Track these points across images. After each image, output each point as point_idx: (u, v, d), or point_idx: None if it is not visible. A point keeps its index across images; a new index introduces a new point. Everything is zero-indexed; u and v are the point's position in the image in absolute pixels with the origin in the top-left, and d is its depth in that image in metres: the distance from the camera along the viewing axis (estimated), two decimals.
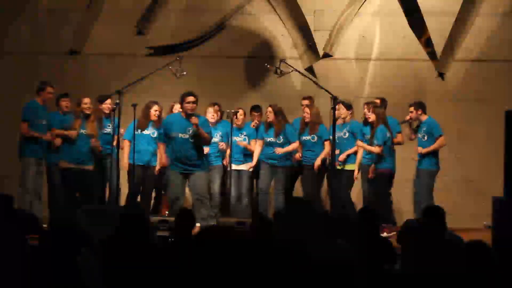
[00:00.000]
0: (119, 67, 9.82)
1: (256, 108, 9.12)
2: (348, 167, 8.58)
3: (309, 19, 9.89)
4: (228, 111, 8.46)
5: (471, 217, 8.85)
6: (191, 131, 7.95)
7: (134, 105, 8.28)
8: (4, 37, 10.16)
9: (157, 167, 8.64)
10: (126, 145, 8.53)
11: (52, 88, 8.54)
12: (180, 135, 7.98)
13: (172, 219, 6.34)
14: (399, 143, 8.68)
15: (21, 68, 9.98)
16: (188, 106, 7.97)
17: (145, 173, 8.60)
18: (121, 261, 4.42)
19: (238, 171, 8.91)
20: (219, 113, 8.85)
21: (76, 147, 8.35)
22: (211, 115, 8.70)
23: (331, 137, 7.91)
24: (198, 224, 6.99)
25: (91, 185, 8.46)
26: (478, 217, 8.57)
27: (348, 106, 8.69)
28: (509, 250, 5.31)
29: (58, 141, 8.45)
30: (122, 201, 8.63)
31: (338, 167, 8.46)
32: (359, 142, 8.46)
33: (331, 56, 9.92)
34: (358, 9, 9.87)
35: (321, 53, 9.90)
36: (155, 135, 8.61)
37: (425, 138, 8.46)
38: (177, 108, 8.86)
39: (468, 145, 9.70)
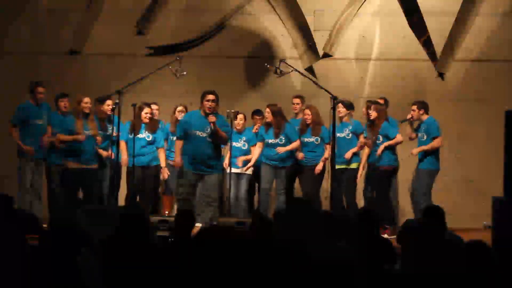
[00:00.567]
0: (119, 67, 9.82)
1: (258, 112, 9.09)
2: (353, 166, 8.59)
3: (309, 19, 9.89)
4: (228, 111, 8.44)
5: (471, 217, 8.85)
6: (209, 130, 7.91)
7: (134, 105, 8.29)
8: (4, 37, 10.16)
9: (164, 174, 8.62)
10: (123, 147, 8.46)
11: (42, 87, 8.50)
12: (198, 133, 7.93)
13: (172, 219, 6.34)
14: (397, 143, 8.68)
15: (21, 68, 9.97)
16: (208, 104, 7.91)
17: (144, 173, 8.59)
18: (121, 261, 4.42)
19: (238, 174, 8.89)
20: None
21: (82, 147, 8.35)
22: None
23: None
24: (199, 224, 6.99)
25: (94, 184, 8.46)
26: (478, 217, 8.57)
27: (348, 106, 8.69)
28: (509, 250, 5.31)
29: (57, 143, 8.43)
30: (122, 201, 8.63)
31: (341, 167, 8.44)
32: (386, 143, 8.41)
33: (331, 56, 9.93)
34: (358, 9, 9.87)
35: (321, 53, 9.90)
36: (150, 138, 8.59)
37: (424, 137, 8.45)
38: (180, 110, 8.85)
39: (468, 145, 9.70)
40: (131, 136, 8.32)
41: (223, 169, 8.71)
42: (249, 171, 8.90)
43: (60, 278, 3.98)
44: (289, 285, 3.83)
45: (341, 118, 8.58)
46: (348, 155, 8.50)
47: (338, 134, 8.31)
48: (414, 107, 8.52)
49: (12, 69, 10.05)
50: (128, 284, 4.33)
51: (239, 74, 10.04)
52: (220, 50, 10.03)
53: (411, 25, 9.81)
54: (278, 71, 8.35)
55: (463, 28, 9.78)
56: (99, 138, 8.44)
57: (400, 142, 8.40)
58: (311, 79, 8.74)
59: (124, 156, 8.44)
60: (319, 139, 8.65)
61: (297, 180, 8.94)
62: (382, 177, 8.38)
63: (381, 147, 8.38)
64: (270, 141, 8.64)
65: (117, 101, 7.87)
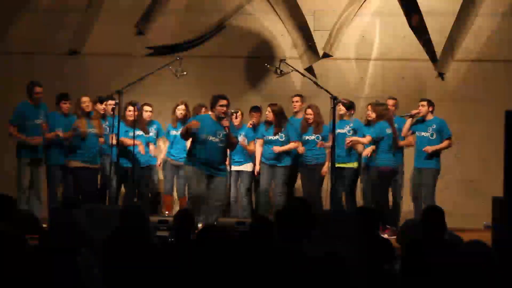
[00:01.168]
0: (119, 67, 9.82)
1: (255, 109, 9.12)
2: (351, 165, 8.58)
3: (309, 19, 9.89)
4: (228, 111, 8.43)
5: (471, 217, 8.85)
6: (221, 135, 7.80)
7: (135, 105, 8.29)
8: (4, 37, 10.16)
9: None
10: (126, 140, 8.45)
11: (40, 87, 8.49)
12: (211, 138, 7.76)
13: (172, 219, 6.34)
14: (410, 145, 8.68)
15: (20, 68, 9.98)
16: (222, 109, 7.79)
17: (142, 173, 8.59)
18: (121, 261, 4.42)
19: (238, 172, 8.91)
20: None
21: (87, 146, 8.33)
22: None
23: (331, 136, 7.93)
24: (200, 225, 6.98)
25: (94, 184, 8.45)
26: (478, 217, 8.58)
27: (348, 107, 8.68)
28: (509, 250, 5.30)
29: (38, 142, 8.41)
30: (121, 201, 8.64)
31: (341, 165, 8.45)
32: (352, 138, 8.41)
33: (331, 56, 9.93)
34: (358, 9, 9.88)
35: (321, 53, 9.90)
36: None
37: (434, 136, 8.44)
38: (180, 109, 8.83)
39: (468, 145, 9.70)
40: (131, 134, 8.30)
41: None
42: (249, 168, 8.91)
43: (60, 278, 3.98)
44: (288, 285, 3.83)
45: (341, 115, 8.57)
46: (348, 140, 8.44)
47: (338, 130, 8.31)
48: (424, 103, 8.51)
49: (12, 69, 10.05)
50: (128, 284, 4.33)
51: (239, 74, 10.04)
52: (220, 50, 10.03)
53: (411, 25, 9.81)
54: (278, 71, 8.36)
55: (463, 28, 9.78)
56: (101, 140, 8.43)
57: (365, 143, 8.37)
58: (311, 79, 8.74)
59: (129, 141, 8.35)
60: (320, 137, 8.66)
61: (298, 181, 8.95)
62: (381, 177, 8.37)
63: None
64: (269, 137, 8.66)
65: (117, 101, 7.87)
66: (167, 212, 8.87)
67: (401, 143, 8.58)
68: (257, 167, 8.76)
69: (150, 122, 8.91)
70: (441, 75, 9.89)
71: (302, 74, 8.88)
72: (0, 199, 5.18)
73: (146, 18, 10.05)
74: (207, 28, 10.02)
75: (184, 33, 10.01)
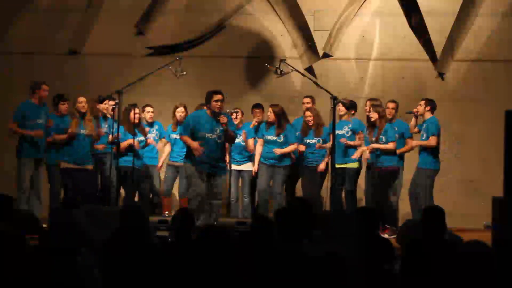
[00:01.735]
0: (119, 67, 9.82)
1: (257, 106, 9.14)
2: (350, 165, 8.58)
3: (309, 19, 9.89)
4: (228, 111, 8.44)
5: (471, 217, 8.85)
6: (218, 131, 7.76)
7: (134, 106, 8.28)
8: (4, 37, 10.16)
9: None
10: (126, 143, 8.45)
11: (47, 85, 8.51)
12: (208, 135, 7.73)
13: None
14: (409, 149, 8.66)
15: (20, 68, 9.98)
16: (217, 104, 7.71)
17: (141, 174, 8.60)
18: (121, 261, 4.42)
19: (239, 171, 8.92)
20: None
21: (76, 147, 8.30)
22: None
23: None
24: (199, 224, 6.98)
25: (91, 185, 8.44)
26: (478, 217, 8.58)
27: (348, 107, 8.68)
28: (509, 250, 5.30)
29: (39, 134, 8.41)
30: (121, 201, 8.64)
31: (341, 166, 8.46)
32: (373, 145, 8.40)
33: (331, 56, 9.93)
34: (358, 9, 9.88)
35: (321, 53, 9.90)
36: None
37: (424, 136, 8.46)
38: (179, 111, 8.83)
39: (468, 145, 9.70)
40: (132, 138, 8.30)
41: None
42: (250, 168, 8.92)
43: (60, 278, 3.98)
44: (288, 285, 3.83)
45: (341, 116, 8.58)
46: (343, 140, 8.44)
47: (337, 131, 8.31)
48: (422, 102, 8.52)
49: (12, 69, 10.05)
50: (128, 284, 4.33)
51: (239, 74, 10.05)
52: (220, 50, 10.04)
53: (411, 25, 9.81)
54: (278, 71, 8.35)
55: (463, 28, 9.78)
56: (101, 130, 8.38)
57: (391, 149, 8.34)
58: (311, 79, 8.74)
59: (130, 141, 8.36)
60: (321, 140, 8.66)
61: (299, 181, 8.96)
62: (384, 177, 8.36)
63: (370, 147, 8.40)
64: (269, 137, 8.67)
65: (117, 101, 7.87)
66: (167, 212, 8.87)
67: (400, 150, 8.52)
68: (255, 167, 8.75)
69: (152, 123, 8.91)
70: (441, 75, 9.89)
71: (302, 74, 8.88)
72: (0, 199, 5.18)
73: (146, 18, 10.06)
74: (207, 28, 10.02)
75: (184, 33, 10.01)
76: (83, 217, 6.80)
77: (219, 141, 7.78)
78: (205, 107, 8.16)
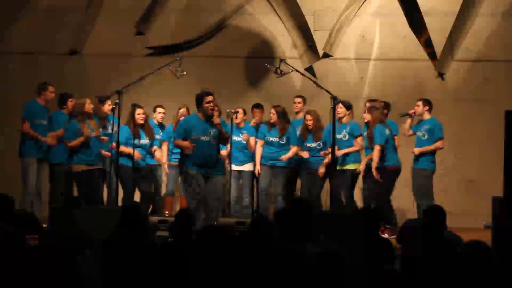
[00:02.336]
0: (119, 67, 9.82)
1: (257, 106, 9.14)
2: (349, 166, 8.59)
3: (309, 19, 9.90)
4: (228, 111, 8.43)
5: (471, 217, 8.84)
6: (212, 133, 7.68)
7: (134, 105, 8.28)
8: (4, 37, 10.16)
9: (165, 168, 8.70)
10: (126, 150, 8.42)
11: (53, 87, 8.56)
12: (202, 138, 7.62)
13: (172, 219, 6.33)
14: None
15: (21, 68, 9.98)
16: (209, 105, 7.61)
17: (142, 174, 8.59)
18: (121, 261, 4.42)
19: (239, 171, 8.92)
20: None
21: (90, 150, 8.27)
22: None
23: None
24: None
25: (98, 185, 8.43)
26: (478, 217, 8.57)
27: (348, 106, 8.69)
28: (509, 250, 5.30)
29: (53, 142, 8.42)
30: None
31: (340, 167, 8.48)
32: (366, 158, 8.41)
33: (331, 56, 9.93)
34: (358, 9, 9.88)
35: (321, 53, 9.91)
36: (150, 143, 8.61)
37: (425, 136, 8.42)
38: (182, 113, 8.81)
39: (468, 145, 9.70)
40: (132, 142, 8.28)
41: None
42: (250, 168, 8.92)
43: (60, 278, 3.98)
44: (288, 285, 3.83)
45: (340, 118, 8.57)
46: (338, 153, 8.47)
47: (336, 136, 8.32)
48: (420, 103, 8.49)
49: (12, 69, 10.05)
50: (128, 284, 4.33)
51: (239, 74, 10.05)
52: (220, 50, 10.04)
53: (411, 25, 9.81)
54: (278, 71, 8.35)
55: (463, 28, 9.79)
56: (105, 138, 8.39)
57: (377, 154, 8.28)
58: (311, 79, 8.74)
59: (129, 150, 8.36)
60: (321, 143, 8.66)
61: (298, 182, 8.96)
62: (387, 176, 8.35)
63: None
64: (271, 139, 8.67)
65: (117, 101, 7.86)
66: (167, 212, 8.87)
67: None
68: (258, 168, 8.76)
69: (163, 125, 8.91)
70: (441, 75, 9.89)
71: (302, 74, 8.88)
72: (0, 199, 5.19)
73: (146, 18, 10.06)
74: (207, 28, 10.03)
75: (184, 33, 10.01)
76: (83, 217, 6.80)
77: (213, 142, 7.71)
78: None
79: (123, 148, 8.23)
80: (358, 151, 8.62)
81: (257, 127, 8.98)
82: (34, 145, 8.42)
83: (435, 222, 4.94)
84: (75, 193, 8.41)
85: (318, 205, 8.55)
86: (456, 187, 9.62)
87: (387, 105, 8.79)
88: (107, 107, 8.51)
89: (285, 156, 8.59)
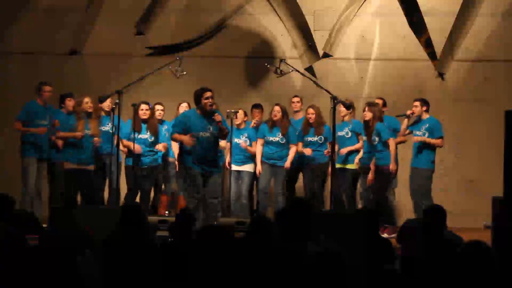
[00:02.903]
0: (119, 67, 9.82)
1: (257, 106, 9.14)
2: (350, 166, 8.60)
3: (309, 19, 9.90)
4: (228, 111, 8.42)
5: (471, 217, 8.85)
6: (211, 129, 7.66)
7: (134, 105, 8.28)
8: (4, 37, 10.16)
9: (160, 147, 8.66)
10: (127, 143, 8.44)
11: (50, 87, 8.53)
12: (201, 134, 7.61)
13: (172, 219, 6.34)
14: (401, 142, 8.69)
15: (21, 68, 9.98)
16: (208, 101, 7.59)
17: (144, 174, 8.60)
18: (121, 261, 4.42)
19: (238, 171, 8.91)
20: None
21: (81, 148, 8.29)
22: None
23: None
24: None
25: (93, 185, 8.44)
26: (478, 217, 8.57)
27: (348, 106, 8.68)
28: (509, 250, 5.31)
29: (59, 143, 8.45)
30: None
31: (341, 166, 8.48)
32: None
33: (331, 56, 9.93)
34: (358, 9, 9.88)
35: (321, 53, 9.91)
36: (152, 139, 8.60)
37: (426, 136, 8.44)
38: (184, 106, 8.82)
39: (468, 145, 9.70)
40: (132, 136, 8.31)
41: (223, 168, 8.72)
42: (251, 169, 8.91)
43: (60, 278, 3.98)
44: (288, 285, 3.83)
45: (342, 117, 8.60)
46: (343, 151, 8.49)
47: (338, 133, 8.35)
48: (417, 103, 8.51)
49: (12, 69, 10.05)
50: (128, 284, 4.33)
51: (239, 74, 10.05)
52: (220, 50, 10.04)
53: (411, 25, 9.81)
54: (278, 71, 8.35)
55: (463, 28, 9.79)
56: (96, 139, 8.39)
57: (394, 146, 8.32)
58: (311, 79, 8.74)
59: (129, 144, 8.37)
60: (322, 138, 8.67)
61: (299, 180, 8.97)
62: (385, 176, 8.35)
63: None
64: (271, 138, 8.67)
65: (117, 101, 7.87)
66: (166, 212, 8.87)
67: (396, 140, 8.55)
68: (259, 166, 8.75)
69: (162, 122, 8.92)
70: (441, 75, 9.89)
71: (302, 74, 8.87)
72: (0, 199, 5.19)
73: (146, 18, 10.05)
74: (207, 28, 10.02)
75: (184, 33, 10.01)
76: (83, 217, 6.80)
77: (212, 139, 7.71)
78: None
79: (124, 142, 8.28)
80: (359, 150, 8.61)
81: (257, 127, 8.98)
82: (34, 145, 8.42)
83: (435, 222, 4.94)
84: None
85: (320, 203, 8.56)
86: (456, 187, 9.62)
87: (383, 102, 8.82)
88: (105, 104, 8.49)
89: (288, 163, 8.60)
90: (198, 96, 7.66)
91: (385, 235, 7.92)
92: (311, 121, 8.68)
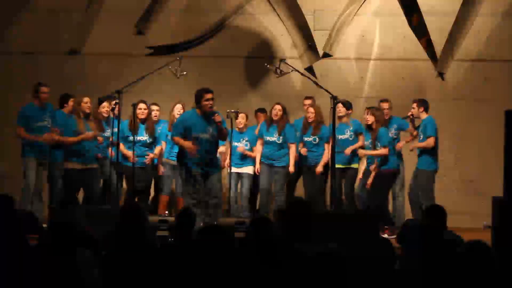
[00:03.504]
0: (119, 67, 9.82)
1: (262, 110, 9.15)
2: (355, 165, 8.61)
3: (309, 19, 9.89)
4: (228, 111, 8.43)
5: (471, 217, 8.84)
6: (211, 130, 7.66)
7: (134, 105, 8.29)
8: (4, 37, 10.15)
9: (160, 170, 8.75)
10: (122, 148, 8.46)
11: (46, 87, 8.49)
12: (201, 135, 7.62)
13: (172, 219, 6.34)
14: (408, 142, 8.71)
15: (21, 68, 9.98)
16: (209, 103, 7.59)
17: (143, 174, 8.60)
18: (120, 261, 4.41)
19: (238, 173, 8.91)
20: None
21: (83, 147, 8.30)
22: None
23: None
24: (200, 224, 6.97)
25: (95, 184, 8.44)
26: (478, 217, 8.57)
27: (348, 106, 8.70)
28: (509, 250, 5.31)
29: (48, 139, 8.42)
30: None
31: (342, 166, 8.47)
32: (362, 151, 8.44)
33: (331, 55, 9.93)
34: (358, 9, 9.88)
35: (321, 53, 9.91)
36: (151, 140, 8.61)
37: (421, 137, 8.46)
38: (178, 108, 8.81)
39: (468, 145, 9.70)
40: (130, 138, 8.31)
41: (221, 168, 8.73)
42: (250, 171, 8.91)
43: (60, 278, 3.98)
44: (288, 285, 3.83)
45: (340, 118, 8.57)
46: (348, 151, 8.50)
47: (340, 136, 8.35)
48: (414, 105, 8.53)
49: (12, 69, 10.05)
50: (128, 284, 4.33)
51: (239, 74, 10.05)
52: (220, 50, 10.03)
53: (411, 25, 9.81)
54: (278, 71, 8.35)
55: (463, 28, 9.78)
56: (100, 139, 8.42)
57: (383, 155, 8.31)
58: (311, 79, 8.74)
59: (128, 153, 8.40)
60: (317, 139, 8.66)
61: (299, 181, 8.97)
62: (381, 179, 8.35)
63: (362, 154, 8.44)
64: (268, 138, 8.67)
65: (117, 101, 7.87)
66: (166, 212, 8.86)
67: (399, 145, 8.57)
68: (257, 166, 8.74)
69: (157, 122, 8.92)
70: (441, 75, 9.89)
71: (302, 74, 8.87)
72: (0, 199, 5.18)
73: (146, 18, 10.05)
74: (207, 28, 10.02)
75: (184, 33, 10.01)
76: (83, 217, 6.80)
77: (212, 140, 7.71)
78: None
79: (125, 151, 8.32)
80: (363, 146, 8.61)
81: (257, 127, 8.97)
82: (35, 145, 8.42)
83: (435, 222, 4.94)
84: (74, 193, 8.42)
85: (319, 204, 8.55)
86: (456, 187, 9.62)
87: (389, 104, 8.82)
88: (102, 109, 8.50)
89: (292, 167, 8.59)
90: (198, 97, 7.66)
91: (385, 236, 7.92)
92: (310, 120, 8.68)
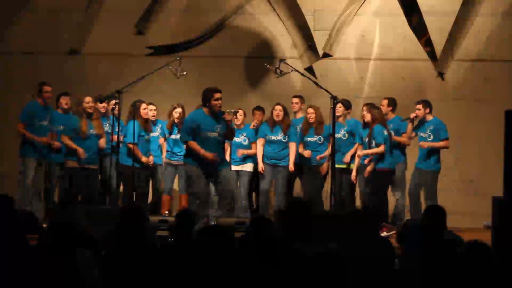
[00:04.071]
0: (119, 67, 9.81)
1: (259, 108, 9.15)
2: (352, 166, 8.62)
3: (309, 19, 9.89)
4: (228, 111, 8.42)
5: (471, 217, 8.85)
6: (219, 129, 7.66)
7: (134, 105, 8.28)
8: (4, 37, 10.15)
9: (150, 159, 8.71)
10: (134, 148, 8.43)
11: (49, 87, 8.53)
12: (209, 134, 7.61)
13: (172, 219, 6.34)
14: (404, 144, 8.66)
15: (21, 68, 9.98)
16: (218, 103, 7.58)
17: (143, 173, 8.60)
18: (120, 261, 4.41)
19: (237, 171, 8.91)
20: None
21: (86, 147, 8.31)
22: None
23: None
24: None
25: (95, 184, 8.45)
26: (478, 217, 8.58)
27: (347, 106, 8.70)
28: (509, 250, 5.30)
29: (57, 144, 8.46)
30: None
31: (340, 166, 8.48)
32: (360, 152, 8.43)
33: (331, 55, 9.93)
34: (358, 9, 9.88)
35: (321, 53, 9.91)
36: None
37: (431, 137, 8.46)
38: (178, 111, 8.80)
39: (468, 145, 9.70)
40: (146, 137, 8.37)
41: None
42: (250, 169, 8.91)
43: (60, 278, 3.98)
44: (287, 285, 3.83)
45: (337, 117, 8.56)
46: (346, 159, 8.54)
47: (335, 135, 8.34)
48: (420, 106, 8.52)
49: (12, 69, 10.05)
50: (128, 284, 4.33)
51: (239, 74, 10.04)
52: (220, 50, 10.03)
53: (411, 25, 9.81)
54: (278, 71, 8.36)
55: (463, 28, 9.78)
56: (102, 141, 8.41)
57: (379, 153, 8.29)
58: (311, 79, 8.75)
59: (143, 158, 8.44)
60: (322, 138, 8.67)
61: (297, 180, 8.96)
62: (380, 177, 8.35)
63: (360, 154, 8.43)
64: (273, 137, 8.68)
65: (117, 101, 7.87)
66: (166, 212, 8.86)
67: (397, 138, 8.55)
68: (261, 165, 8.72)
69: (155, 122, 8.93)
70: (441, 75, 9.89)
71: (302, 74, 8.88)
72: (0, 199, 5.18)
73: (146, 18, 10.05)
74: (207, 28, 10.02)
75: (184, 33, 10.01)
76: (83, 217, 6.81)
77: (220, 139, 7.72)
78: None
79: (140, 155, 8.40)
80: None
81: (256, 129, 8.97)
82: (34, 145, 8.42)
83: (435, 222, 4.94)
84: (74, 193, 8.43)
85: (319, 204, 8.56)
86: (456, 187, 9.61)
87: (393, 102, 8.77)
88: (100, 105, 8.52)
89: (292, 166, 8.60)
90: (208, 96, 7.64)
91: (383, 234, 7.92)
92: (311, 120, 8.69)
